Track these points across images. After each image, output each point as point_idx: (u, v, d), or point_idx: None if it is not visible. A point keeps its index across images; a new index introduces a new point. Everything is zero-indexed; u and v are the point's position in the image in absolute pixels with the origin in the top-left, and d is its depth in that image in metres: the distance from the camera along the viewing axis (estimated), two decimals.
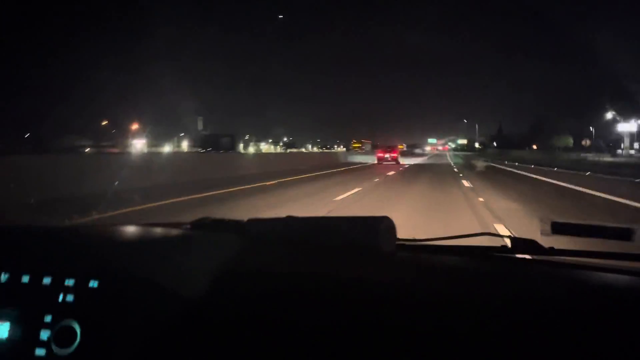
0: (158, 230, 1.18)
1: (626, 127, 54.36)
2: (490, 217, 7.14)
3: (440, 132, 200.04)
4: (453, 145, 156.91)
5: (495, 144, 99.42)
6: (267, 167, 18.93)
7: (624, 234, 0.89)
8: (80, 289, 0.74)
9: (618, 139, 59.34)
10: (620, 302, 0.71)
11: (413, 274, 0.84)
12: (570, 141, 78.91)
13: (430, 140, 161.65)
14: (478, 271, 0.89)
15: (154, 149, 50.48)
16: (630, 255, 0.90)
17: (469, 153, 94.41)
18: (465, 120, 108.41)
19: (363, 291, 0.75)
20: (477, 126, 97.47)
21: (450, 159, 51.93)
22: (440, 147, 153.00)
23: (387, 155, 32.30)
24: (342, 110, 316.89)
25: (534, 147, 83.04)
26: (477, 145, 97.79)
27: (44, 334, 0.72)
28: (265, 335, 0.68)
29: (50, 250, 0.89)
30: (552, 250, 0.93)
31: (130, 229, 1.20)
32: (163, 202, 8.70)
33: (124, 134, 55.60)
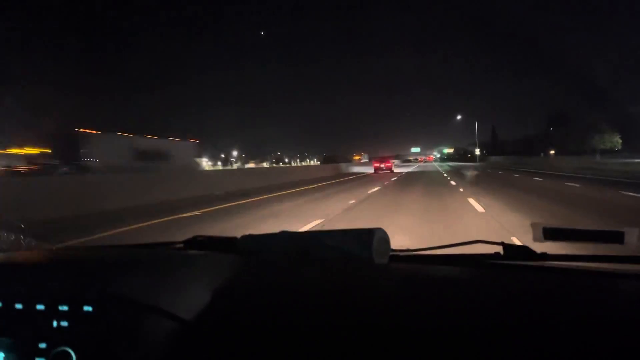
0: (151, 251, 1.15)
1: None
2: None
3: (421, 142, 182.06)
4: (438, 155, 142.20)
5: (484, 151, 77.27)
6: None
7: (615, 238, 0.89)
8: (74, 314, 0.73)
9: None
10: (614, 305, 0.72)
11: (407, 285, 0.84)
12: (618, 141, 55.96)
13: (414, 150, 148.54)
14: (471, 280, 0.88)
15: None
16: (622, 258, 0.91)
17: (465, 163, 73.44)
18: (458, 117, 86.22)
19: (358, 304, 0.75)
20: (476, 124, 74.38)
21: (447, 175, 31.74)
22: (425, 157, 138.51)
23: (382, 165, 36.92)
24: (326, 125, 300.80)
25: (552, 152, 62.42)
26: (477, 151, 74.75)
27: None
28: (264, 352, 0.68)
29: (43, 275, 0.87)
30: (544, 256, 0.94)
31: (123, 251, 1.16)
32: None
33: None
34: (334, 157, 68.35)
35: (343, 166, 44.33)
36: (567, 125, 62.22)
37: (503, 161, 59.59)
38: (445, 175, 26.57)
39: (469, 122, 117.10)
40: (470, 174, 27.94)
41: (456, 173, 29.69)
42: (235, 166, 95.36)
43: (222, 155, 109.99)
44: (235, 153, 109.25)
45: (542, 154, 61.76)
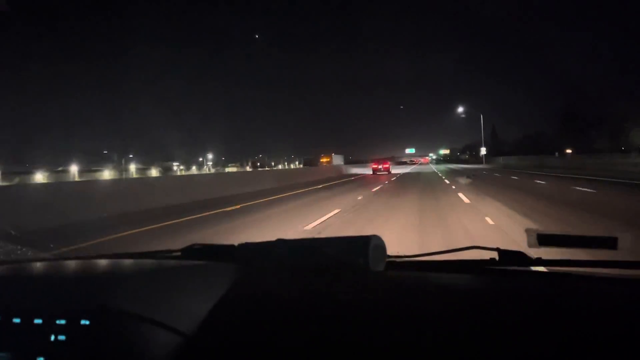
0: (148, 262, 1.14)
1: None
2: None
3: (416, 144, 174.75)
4: (434, 157, 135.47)
5: (483, 150, 68.18)
6: None
7: (609, 243, 0.91)
8: (71, 328, 0.72)
9: None
10: (608, 309, 0.73)
11: (404, 292, 0.85)
12: None
13: (409, 151, 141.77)
14: (467, 286, 0.89)
15: None
16: (616, 263, 0.92)
17: (468, 166, 65.03)
18: (461, 113, 76.97)
19: (355, 312, 0.76)
20: (481, 118, 64.92)
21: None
22: (420, 159, 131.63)
23: (380, 167, 38.22)
24: (317, 127, 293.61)
25: (568, 151, 54.30)
26: (483, 151, 65.68)
27: None
28: None
29: (40, 289, 0.86)
30: (539, 261, 0.95)
31: (120, 262, 1.15)
32: None
33: None
34: (313, 160, 62.76)
35: (343, 168, 44.82)
36: (586, 121, 53.83)
37: (517, 162, 51.38)
38: (462, 196, 12.02)
39: (467, 121, 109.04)
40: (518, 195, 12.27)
41: (489, 191, 13.47)
42: (213, 170, 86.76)
43: (200, 159, 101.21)
44: (210, 156, 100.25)
45: (556, 153, 53.61)
